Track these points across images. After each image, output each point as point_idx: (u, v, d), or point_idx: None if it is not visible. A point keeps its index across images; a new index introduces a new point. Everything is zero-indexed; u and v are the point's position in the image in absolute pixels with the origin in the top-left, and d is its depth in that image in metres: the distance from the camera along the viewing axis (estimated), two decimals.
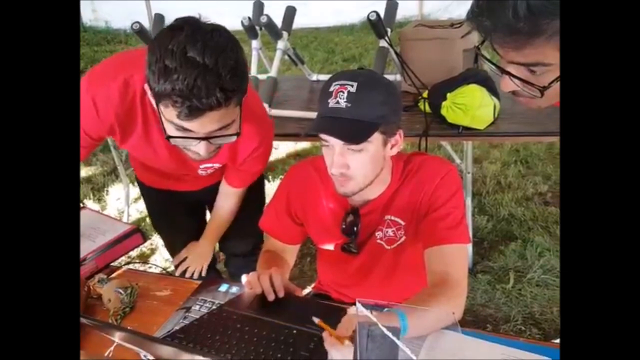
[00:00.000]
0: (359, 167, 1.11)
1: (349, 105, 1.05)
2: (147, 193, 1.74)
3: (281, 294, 1.12)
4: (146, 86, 1.03)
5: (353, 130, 1.06)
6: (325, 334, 0.91)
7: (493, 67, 0.79)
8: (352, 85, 1.05)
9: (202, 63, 0.94)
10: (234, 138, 1.10)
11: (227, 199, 1.56)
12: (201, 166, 1.38)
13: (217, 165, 1.40)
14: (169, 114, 1.01)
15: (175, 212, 1.70)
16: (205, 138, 1.06)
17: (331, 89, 1.07)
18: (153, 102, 1.06)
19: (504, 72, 0.77)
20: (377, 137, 1.09)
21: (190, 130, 1.04)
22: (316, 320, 0.96)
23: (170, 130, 1.06)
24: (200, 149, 1.08)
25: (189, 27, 0.98)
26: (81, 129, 1.21)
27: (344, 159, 1.10)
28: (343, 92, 1.05)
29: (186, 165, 1.36)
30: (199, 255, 1.61)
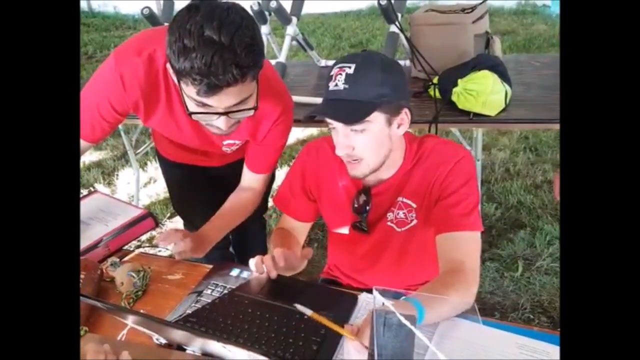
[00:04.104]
0: (364, 148, 1.12)
1: (347, 86, 1.07)
2: (169, 168, 1.76)
3: (281, 264, 1.13)
4: (168, 65, 1.08)
5: (349, 111, 1.08)
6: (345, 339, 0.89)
7: None
8: (350, 67, 1.08)
9: (218, 41, 0.99)
10: (252, 112, 1.15)
11: (244, 192, 1.46)
12: (224, 142, 1.41)
13: (239, 142, 1.42)
14: (190, 91, 1.06)
15: (198, 186, 1.72)
16: (225, 113, 1.11)
17: (332, 72, 1.11)
18: (175, 80, 1.11)
19: None
20: (378, 117, 1.10)
21: (210, 106, 1.09)
22: (310, 312, 0.93)
23: (192, 107, 1.11)
24: (220, 123, 1.14)
25: (205, 6, 1.01)
26: (108, 104, 1.26)
27: (348, 140, 1.12)
28: (341, 75, 1.08)
29: (210, 142, 1.40)
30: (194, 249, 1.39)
